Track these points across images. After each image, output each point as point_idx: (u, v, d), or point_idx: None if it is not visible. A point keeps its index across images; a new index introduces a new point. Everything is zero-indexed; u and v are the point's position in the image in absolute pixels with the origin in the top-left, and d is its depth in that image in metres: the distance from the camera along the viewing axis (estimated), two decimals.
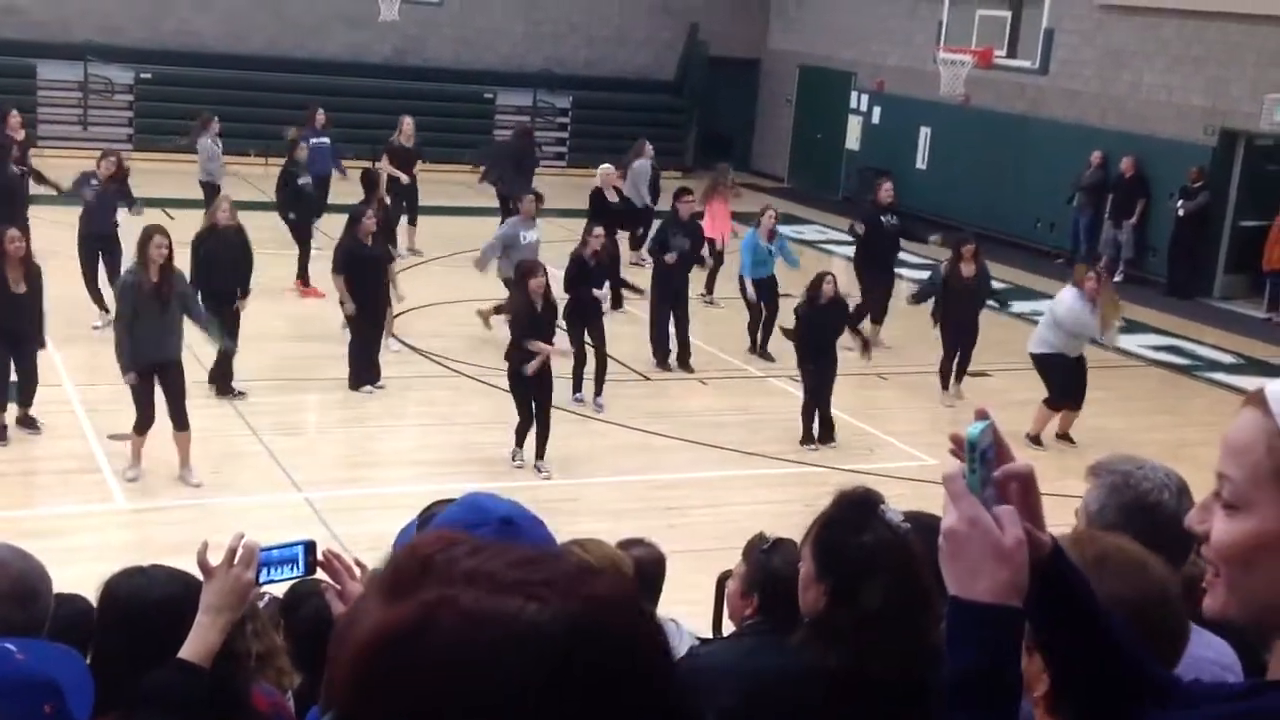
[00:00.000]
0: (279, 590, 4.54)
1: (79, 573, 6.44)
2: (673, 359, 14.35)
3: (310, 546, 2.72)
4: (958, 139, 23.48)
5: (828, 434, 12.30)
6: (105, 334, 12.49)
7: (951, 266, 13.86)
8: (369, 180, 15.42)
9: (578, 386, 12.76)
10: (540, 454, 11.15)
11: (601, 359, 12.83)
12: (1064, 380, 12.52)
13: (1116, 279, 20.51)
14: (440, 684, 1.15)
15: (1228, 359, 16.71)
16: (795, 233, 21.45)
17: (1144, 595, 2.27)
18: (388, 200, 15.14)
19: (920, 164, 24.51)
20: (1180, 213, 19.53)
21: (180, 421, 10.41)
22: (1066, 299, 12.59)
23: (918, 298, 14.55)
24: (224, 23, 25.11)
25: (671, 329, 14.36)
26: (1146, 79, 20.73)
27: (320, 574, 2.80)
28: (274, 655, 4.07)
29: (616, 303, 14.52)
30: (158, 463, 10.63)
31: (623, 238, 16.56)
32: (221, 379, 12.25)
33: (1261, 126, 18.94)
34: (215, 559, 2.72)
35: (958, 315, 13.76)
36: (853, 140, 26.15)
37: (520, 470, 11.04)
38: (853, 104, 26.18)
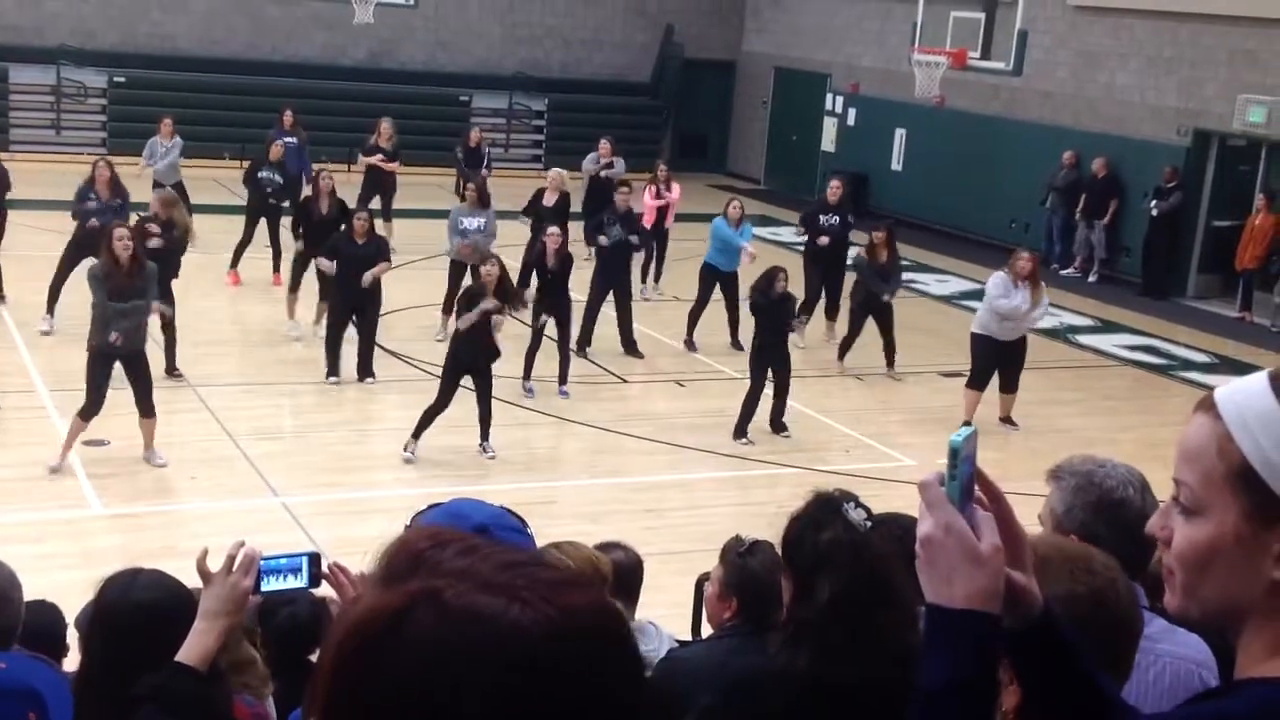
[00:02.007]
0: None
1: (52, 580, 6.43)
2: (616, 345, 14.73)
3: (315, 558, 2.74)
4: (933, 140, 23.56)
5: (779, 426, 12.43)
6: (74, 336, 12.44)
7: (868, 252, 14.55)
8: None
9: (528, 374, 12.97)
10: (485, 435, 11.38)
11: (564, 350, 13.24)
12: (985, 364, 12.90)
13: (1091, 279, 20.67)
14: (416, 671, 1.18)
15: (1201, 358, 16.79)
16: (771, 234, 21.50)
17: (1094, 589, 2.31)
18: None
19: (896, 165, 24.59)
20: (1154, 213, 19.64)
21: (146, 409, 10.60)
22: (991, 281, 12.99)
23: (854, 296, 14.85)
24: (198, 26, 25.02)
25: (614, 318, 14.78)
26: (1120, 80, 20.83)
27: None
28: (249, 665, 4.06)
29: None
30: (131, 467, 10.59)
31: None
32: (169, 360, 12.52)
33: (1234, 127, 19.06)
34: (216, 565, 2.74)
35: (866, 296, 14.37)
36: (828, 142, 26.21)
37: (494, 472, 11.03)
38: (828, 106, 26.24)
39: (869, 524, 2.84)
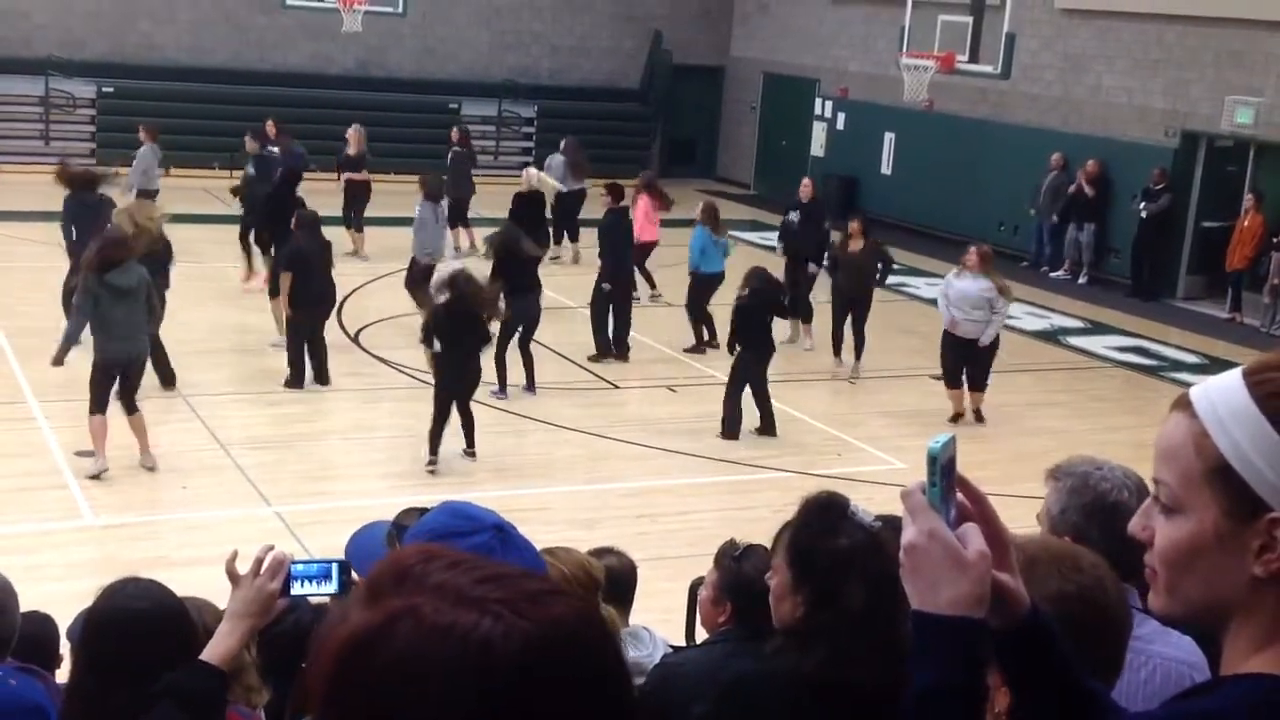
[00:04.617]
0: None
1: (44, 591, 6.42)
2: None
3: (346, 565, 2.78)
4: (921, 144, 23.59)
5: (769, 427, 12.51)
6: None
7: (840, 241, 14.84)
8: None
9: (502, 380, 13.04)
10: (470, 442, 11.39)
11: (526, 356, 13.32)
12: (949, 363, 13.19)
13: (1081, 281, 20.70)
14: (395, 688, 1.19)
15: (1192, 359, 16.83)
16: (761, 239, 21.53)
17: (1083, 587, 2.32)
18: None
19: (885, 169, 24.61)
20: (1143, 214, 19.68)
21: (130, 406, 10.65)
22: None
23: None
24: (186, 36, 25.00)
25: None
26: (1107, 82, 20.88)
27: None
28: (242, 672, 4.05)
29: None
30: (123, 477, 10.57)
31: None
32: (165, 373, 12.42)
33: (1222, 128, 19.12)
34: (245, 568, 2.79)
35: (845, 287, 14.58)
36: (817, 147, 26.22)
37: (487, 479, 11.02)
38: (817, 110, 26.26)
39: (878, 524, 2.84)
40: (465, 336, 11.16)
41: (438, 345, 11.17)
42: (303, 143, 19.50)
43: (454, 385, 11.19)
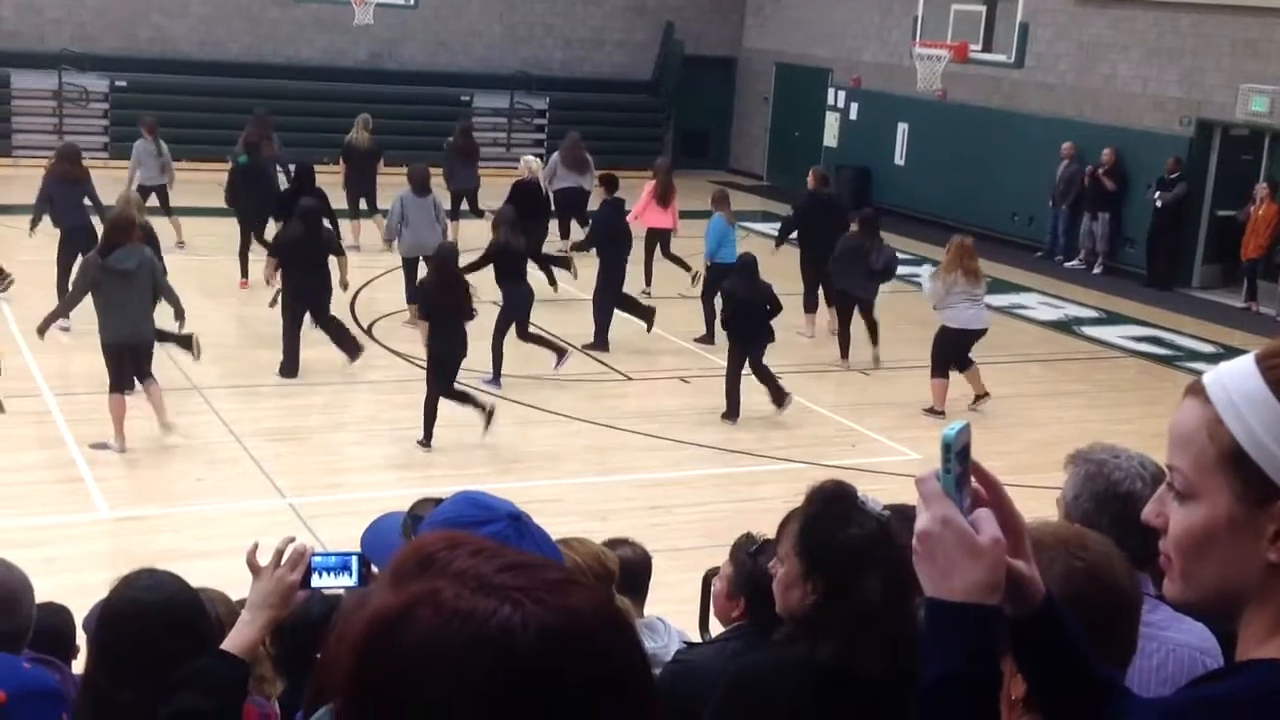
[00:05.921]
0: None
1: (60, 583, 6.43)
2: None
3: (364, 559, 2.80)
4: (935, 134, 23.54)
5: (776, 399, 12.60)
6: (79, 340, 12.43)
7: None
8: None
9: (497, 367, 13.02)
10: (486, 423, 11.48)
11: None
12: (938, 352, 13.10)
13: (1096, 271, 20.65)
14: (414, 670, 1.20)
15: (1207, 349, 16.76)
16: (774, 230, 21.49)
17: (1090, 564, 2.32)
18: None
19: (899, 160, 24.57)
20: (1158, 204, 19.61)
21: (144, 378, 10.83)
22: None
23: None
24: (199, 30, 25.04)
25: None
26: (1122, 71, 20.80)
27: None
28: (256, 664, 4.07)
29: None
30: (138, 470, 10.60)
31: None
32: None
33: (1237, 116, 19.04)
34: (266, 559, 2.82)
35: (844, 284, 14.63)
36: (830, 137, 26.18)
37: (499, 471, 11.03)
38: (830, 101, 26.22)
39: (887, 513, 2.83)
40: (452, 313, 11.39)
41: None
42: (315, 135, 19.57)
43: (449, 358, 11.36)
